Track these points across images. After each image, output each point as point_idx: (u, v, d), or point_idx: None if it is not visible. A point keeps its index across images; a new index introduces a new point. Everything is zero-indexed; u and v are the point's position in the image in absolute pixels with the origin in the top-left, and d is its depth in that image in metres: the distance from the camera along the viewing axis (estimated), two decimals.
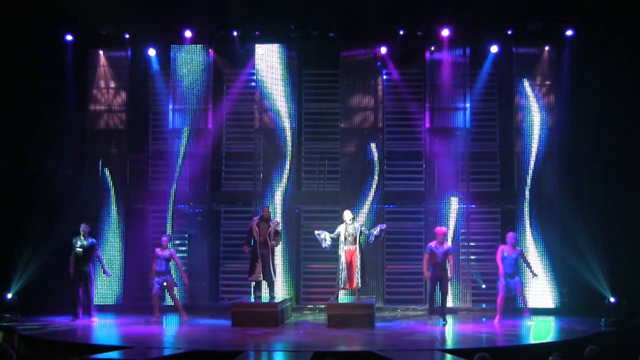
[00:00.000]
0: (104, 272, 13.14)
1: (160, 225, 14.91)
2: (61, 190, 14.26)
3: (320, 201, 15.18)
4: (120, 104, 15.17)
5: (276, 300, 12.62)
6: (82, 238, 12.83)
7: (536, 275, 13.11)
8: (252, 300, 12.84)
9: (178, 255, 13.80)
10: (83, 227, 12.92)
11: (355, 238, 12.49)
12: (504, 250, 12.71)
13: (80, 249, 12.74)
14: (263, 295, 12.93)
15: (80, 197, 14.61)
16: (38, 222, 13.73)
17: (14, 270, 13.48)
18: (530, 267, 13.00)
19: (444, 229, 12.91)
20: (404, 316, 13.74)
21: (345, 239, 12.54)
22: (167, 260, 12.88)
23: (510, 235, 12.91)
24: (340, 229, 12.63)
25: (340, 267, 12.50)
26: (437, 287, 12.58)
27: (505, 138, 15.05)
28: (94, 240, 13.05)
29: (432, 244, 12.59)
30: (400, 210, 15.19)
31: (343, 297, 12.87)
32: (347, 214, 12.68)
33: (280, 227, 13.33)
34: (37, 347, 10.61)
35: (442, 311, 12.56)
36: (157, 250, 12.92)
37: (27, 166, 13.98)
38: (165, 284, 12.90)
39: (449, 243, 13.10)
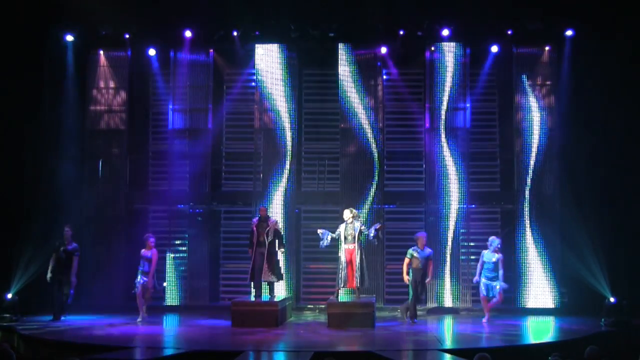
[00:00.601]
0: (72, 277, 12.86)
1: (160, 225, 14.91)
2: (62, 190, 14.26)
3: (320, 201, 15.18)
4: (120, 104, 15.18)
5: (276, 299, 12.61)
6: (65, 242, 12.82)
7: (504, 286, 12.60)
8: (252, 299, 12.82)
9: (177, 255, 13.76)
10: (66, 230, 12.90)
11: (355, 237, 12.48)
12: (483, 254, 12.66)
13: (64, 254, 12.75)
14: (263, 294, 12.90)
15: (81, 197, 14.62)
16: (39, 222, 13.73)
17: (14, 270, 13.47)
18: (502, 276, 12.55)
19: (425, 234, 13.01)
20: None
21: (345, 237, 12.55)
22: (149, 260, 12.64)
23: (490, 239, 12.81)
24: (341, 228, 12.64)
25: (340, 266, 12.51)
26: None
27: (505, 138, 15.06)
28: (76, 245, 12.98)
29: (413, 248, 12.61)
30: (400, 210, 15.19)
31: (343, 295, 12.86)
32: (347, 213, 12.68)
33: (279, 226, 13.29)
34: (37, 347, 10.61)
35: (413, 310, 12.61)
36: (143, 250, 12.74)
37: (27, 166, 13.99)
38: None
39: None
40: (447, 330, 12.12)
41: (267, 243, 12.56)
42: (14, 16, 13.67)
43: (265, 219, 12.77)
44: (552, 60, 14.66)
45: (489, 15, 14.05)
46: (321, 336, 11.34)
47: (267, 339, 11.09)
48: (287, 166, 14.74)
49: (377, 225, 12.72)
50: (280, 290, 13.81)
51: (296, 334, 11.80)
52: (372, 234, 12.51)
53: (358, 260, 12.42)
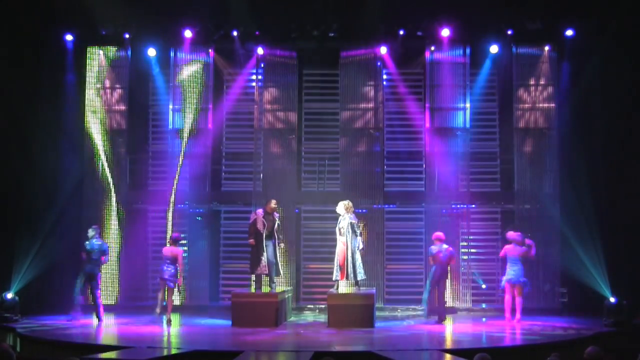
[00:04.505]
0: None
1: (160, 225, 14.90)
2: (61, 190, 14.25)
3: (320, 201, 15.16)
4: (120, 104, 15.17)
5: (276, 291, 12.57)
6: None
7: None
8: (252, 290, 12.75)
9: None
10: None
11: (347, 230, 12.44)
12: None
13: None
14: (263, 287, 12.85)
15: (81, 197, 14.61)
16: (38, 223, 13.72)
17: (14, 270, 13.47)
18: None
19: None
20: (404, 316, 13.73)
21: (339, 230, 12.57)
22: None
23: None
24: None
25: (336, 258, 12.53)
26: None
27: (505, 138, 15.05)
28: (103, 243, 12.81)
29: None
30: (400, 210, 15.18)
31: (343, 288, 12.83)
32: (339, 207, 12.61)
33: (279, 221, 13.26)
34: (37, 347, 10.61)
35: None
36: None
37: (27, 166, 13.99)
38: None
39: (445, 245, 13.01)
40: (447, 330, 12.11)
41: (276, 237, 12.56)
42: (14, 16, 13.66)
43: (272, 213, 12.72)
44: (552, 60, 14.66)
45: (489, 15, 14.06)
46: (321, 336, 11.34)
47: (267, 339, 11.10)
48: (287, 166, 14.72)
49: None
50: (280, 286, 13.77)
51: (296, 334, 11.81)
52: (359, 246, 12.44)
53: (349, 253, 12.39)
